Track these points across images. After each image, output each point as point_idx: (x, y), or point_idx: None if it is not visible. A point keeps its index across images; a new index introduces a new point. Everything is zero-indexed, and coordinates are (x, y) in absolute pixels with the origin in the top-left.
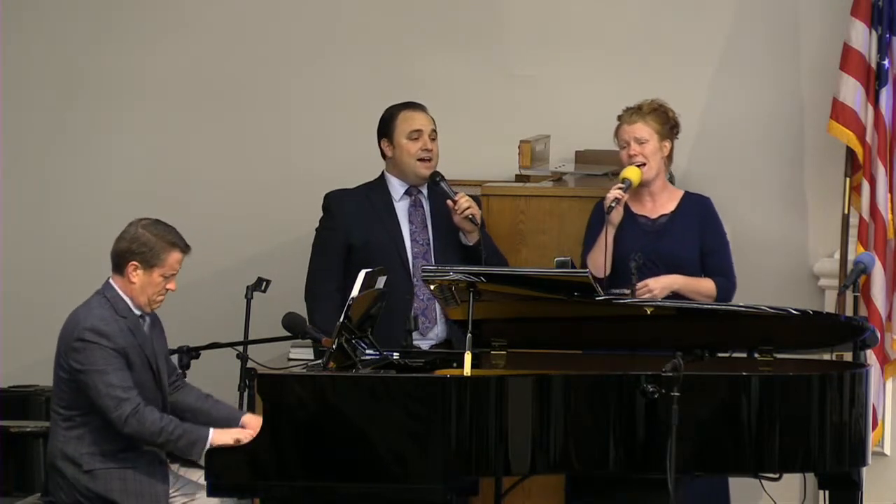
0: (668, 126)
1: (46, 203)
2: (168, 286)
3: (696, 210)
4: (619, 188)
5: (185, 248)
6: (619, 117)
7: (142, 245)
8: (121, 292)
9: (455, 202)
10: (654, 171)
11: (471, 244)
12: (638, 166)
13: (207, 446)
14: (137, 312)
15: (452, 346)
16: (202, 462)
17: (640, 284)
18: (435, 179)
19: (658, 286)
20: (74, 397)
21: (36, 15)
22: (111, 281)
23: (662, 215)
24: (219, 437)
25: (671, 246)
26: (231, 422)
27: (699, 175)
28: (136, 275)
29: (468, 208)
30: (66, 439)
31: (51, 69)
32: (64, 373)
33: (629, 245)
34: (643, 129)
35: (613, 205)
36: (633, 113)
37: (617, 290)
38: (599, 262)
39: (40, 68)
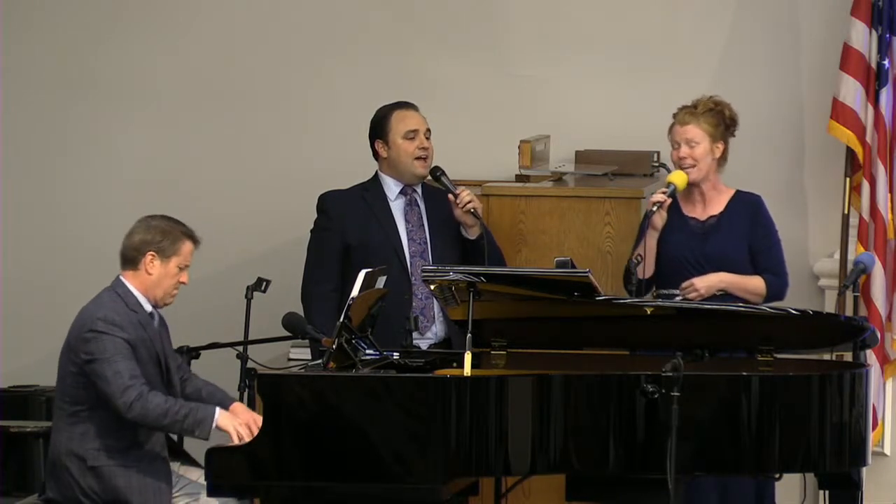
0: (723, 127)
1: (47, 203)
2: (181, 279)
3: (745, 209)
4: (663, 192)
5: (196, 240)
6: (674, 115)
7: (157, 235)
8: (132, 288)
9: (457, 195)
10: (703, 173)
11: (472, 238)
12: (686, 170)
13: (214, 425)
14: (148, 309)
15: (451, 345)
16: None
17: (685, 284)
18: (436, 174)
19: (703, 285)
20: (82, 391)
21: (38, 16)
22: (122, 278)
23: (711, 216)
24: (224, 419)
25: (718, 247)
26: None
27: None
28: (154, 266)
29: (470, 202)
30: (70, 435)
31: (52, 70)
32: (73, 366)
33: (679, 247)
34: (695, 131)
35: (654, 209)
36: (687, 113)
37: (665, 292)
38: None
39: (42, 69)
